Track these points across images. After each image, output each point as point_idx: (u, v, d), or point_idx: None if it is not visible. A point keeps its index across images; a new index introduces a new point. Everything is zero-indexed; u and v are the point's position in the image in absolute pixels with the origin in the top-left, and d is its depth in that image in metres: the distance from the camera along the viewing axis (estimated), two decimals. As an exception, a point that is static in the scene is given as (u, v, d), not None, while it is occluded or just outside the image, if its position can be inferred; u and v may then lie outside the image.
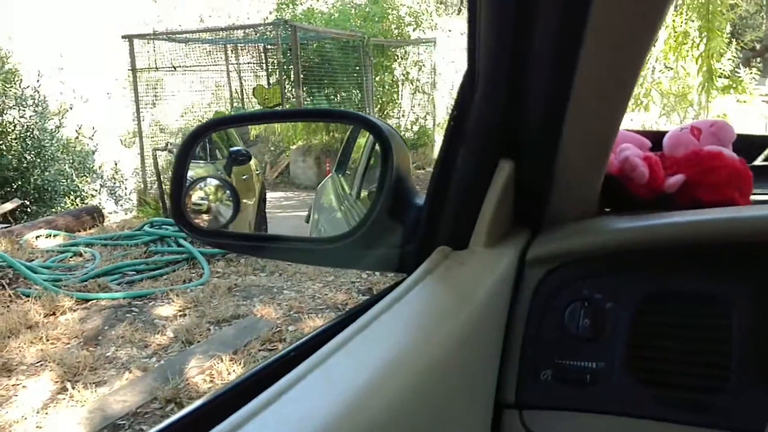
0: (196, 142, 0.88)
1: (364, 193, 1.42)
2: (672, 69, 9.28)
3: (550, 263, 0.80)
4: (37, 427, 2.95)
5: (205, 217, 0.98)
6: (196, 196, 0.97)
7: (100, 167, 12.53)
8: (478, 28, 0.67)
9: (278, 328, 3.96)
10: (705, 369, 0.71)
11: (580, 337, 0.76)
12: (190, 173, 0.86)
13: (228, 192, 1.03)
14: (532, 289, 0.80)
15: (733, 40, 9.77)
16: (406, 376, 0.56)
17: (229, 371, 3.39)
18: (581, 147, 0.77)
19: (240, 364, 3.46)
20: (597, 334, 0.75)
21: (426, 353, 0.61)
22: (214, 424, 0.49)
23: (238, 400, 0.52)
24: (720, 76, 8.97)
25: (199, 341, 3.82)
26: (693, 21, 8.21)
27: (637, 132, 0.97)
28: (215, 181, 1.04)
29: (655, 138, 0.98)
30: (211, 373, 3.39)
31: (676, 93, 9.49)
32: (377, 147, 1.30)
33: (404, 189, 0.85)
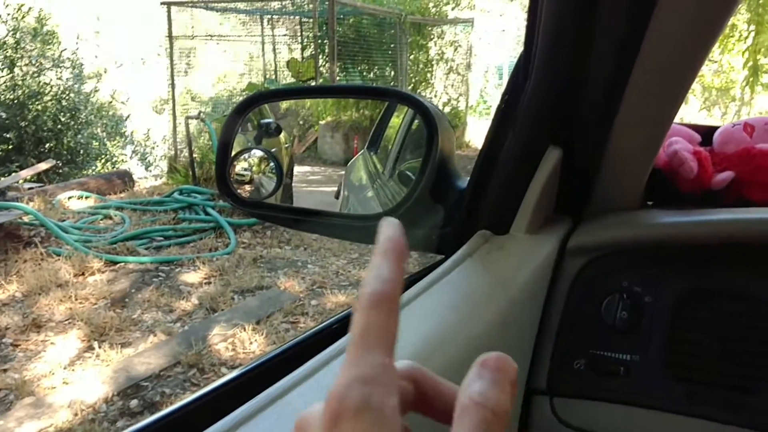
0: (244, 113, 0.88)
1: (397, 173, 1.42)
2: (716, 62, 9.04)
3: (591, 253, 0.80)
4: (63, 382, 3.03)
5: (247, 187, 0.99)
6: (239, 166, 0.98)
7: (131, 132, 12.68)
8: (540, 12, 0.66)
9: (301, 302, 4.00)
10: (740, 368, 0.70)
11: (616, 328, 0.76)
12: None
13: (272, 164, 1.04)
14: (571, 278, 0.80)
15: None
16: (442, 357, 0.57)
17: (251, 341, 3.44)
18: (632, 138, 0.76)
19: (262, 334, 3.51)
20: (633, 327, 0.75)
21: (462, 335, 0.62)
22: (258, 391, 0.50)
23: (283, 369, 0.53)
24: (766, 72, 8.71)
25: (222, 309, 3.88)
26: (741, 13, 7.96)
27: (687, 125, 0.96)
28: (260, 153, 1.05)
29: (705, 133, 0.96)
30: (233, 341, 3.45)
31: (719, 87, 9.25)
32: (414, 127, 1.29)
33: (447, 171, 0.85)
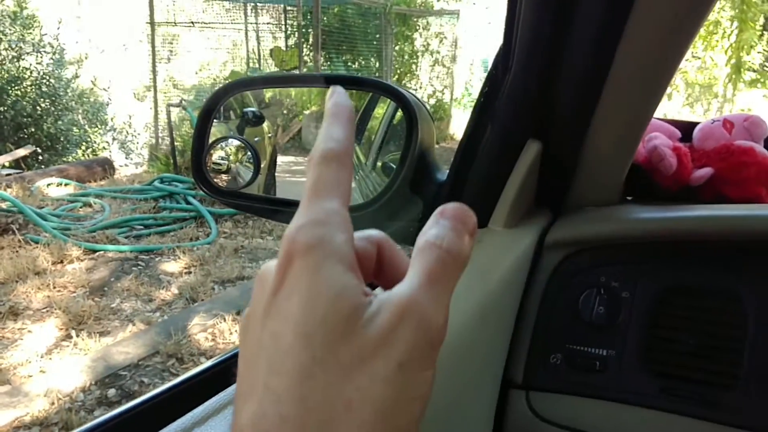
0: (220, 101, 0.87)
1: (379, 164, 1.41)
2: (700, 59, 9.11)
3: (569, 248, 0.79)
4: (40, 371, 3.00)
5: (224, 177, 0.97)
6: (216, 155, 0.96)
7: (111, 119, 12.51)
8: (519, 6, 0.66)
9: (282, 292, 3.99)
10: (717, 365, 0.71)
11: (593, 323, 0.76)
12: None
13: (249, 153, 1.02)
14: (548, 272, 0.79)
15: (765, 32, 9.55)
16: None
17: (231, 331, 3.42)
18: (612, 133, 0.76)
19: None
20: (610, 322, 0.75)
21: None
22: (231, 383, 0.49)
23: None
24: (748, 69, 8.79)
25: (203, 299, 3.85)
26: (725, 11, 8.02)
27: (667, 121, 0.96)
28: (237, 142, 1.03)
29: (686, 128, 0.96)
30: (213, 331, 3.43)
31: (702, 83, 9.33)
32: (396, 118, 1.28)
33: (427, 163, 0.84)
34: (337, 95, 0.33)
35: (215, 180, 0.92)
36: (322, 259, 0.26)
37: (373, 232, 0.33)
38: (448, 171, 0.83)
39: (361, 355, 0.26)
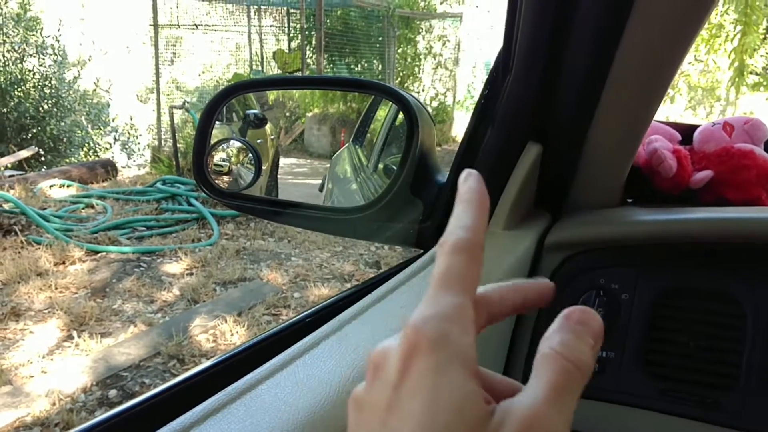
0: (222, 103, 0.87)
1: (380, 166, 1.41)
2: (702, 62, 9.10)
3: (569, 250, 0.80)
4: (42, 371, 3.00)
5: (225, 178, 0.98)
6: (218, 157, 0.96)
7: (113, 120, 12.54)
8: (519, 8, 0.66)
9: (284, 294, 3.99)
10: (716, 367, 0.71)
11: None
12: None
13: (250, 155, 1.03)
14: (548, 274, 0.80)
15: (768, 36, 9.53)
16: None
17: (233, 332, 3.42)
18: (612, 135, 0.76)
19: (244, 326, 3.49)
20: (610, 325, 0.75)
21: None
22: (230, 382, 0.49)
23: (254, 361, 0.52)
24: (751, 73, 8.77)
25: (204, 301, 3.85)
26: (729, 14, 8.01)
27: (668, 124, 0.96)
28: (238, 143, 1.04)
29: (686, 131, 0.96)
30: (214, 333, 3.43)
31: (705, 87, 9.31)
32: (398, 121, 1.28)
33: (427, 165, 0.85)
34: (472, 180, 0.32)
35: (216, 181, 0.92)
36: (447, 361, 0.26)
37: (480, 296, 0.32)
38: (448, 173, 0.83)
39: None
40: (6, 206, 5.01)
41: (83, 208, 5.75)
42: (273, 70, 10.12)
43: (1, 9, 9.76)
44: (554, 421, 0.26)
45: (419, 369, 0.26)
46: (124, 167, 9.20)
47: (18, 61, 9.80)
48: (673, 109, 9.54)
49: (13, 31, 9.85)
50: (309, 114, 9.48)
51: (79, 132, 10.82)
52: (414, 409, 0.25)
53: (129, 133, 12.81)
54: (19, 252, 4.41)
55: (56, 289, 3.89)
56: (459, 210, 0.31)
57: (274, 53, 10.16)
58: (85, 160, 9.81)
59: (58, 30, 10.83)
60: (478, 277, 0.29)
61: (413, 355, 0.26)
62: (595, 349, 0.29)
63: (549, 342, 0.29)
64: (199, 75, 11.49)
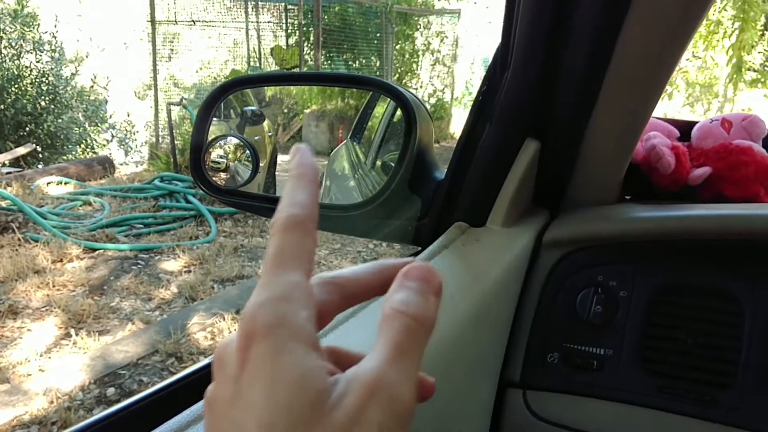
0: (219, 99, 0.87)
1: (378, 163, 1.41)
2: (700, 58, 9.10)
3: (567, 247, 0.79)
4: (39, 369, 2.99)
5: (222, 175, 0.97)
6: (215, 153, 0.96)
7: (111, 117, 12.51)
8: (517, 4, 0.66)
9: (282, 291, 3.99)
10: (713, 364, 0.71)
11: (590, 323, 0.76)
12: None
13: (248, 152, 1.02)
14: (546, 271, 0.79)
15: (766, 32, 9.53)
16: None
17: (231, 330, 3.42)
18: (610, 132, 0.76)
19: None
20: (608, 322, 0.75)
21: (436, 327, 0.61)
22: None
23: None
24: (749, 69, 8.77)
25: (202, 298, 3.85)
26: (726, 10, 8.01)
27: (666, 120, 0.96)
28: (235, 140, 1.03)
29: (684, 128, 0.96)
30: (212, 330, 3.42)
31: (703, 83, 9.32)
32: (396, 117, 1.28)
33: (425, 162, 0.84)
34: (300, 155, 0.32)
35: (214, 178, 0.92)
36: (283, 341, 0.25)
37: (331, 275, 0.33)
38: (446, 170, 0.83)
39: None
40: (3, 203, 5.00)
41: (81, 206, 5.74)
42: (271, 66, 10.10)
43: (-2, 5, 9.74)
44: (398, 384, 0.26)
45: (257, 355, 0.25)
46: (121, 164, 9.18)
47: (15, 58, 9.77)
48: (671, 105, 9.55)
49: (10, 28, 9.81)
50: (307, 110, 9.46)
51: (77, 129, 10.78)
52: (254, 395, 0.25)
53: (126, 130, 12.79)
54: (17, 249, 4.40)
55: (54, 286, 3.89)
56: (289, 187, 0.31)
57: (272, 49, 10.14)
58: (82, 157, 9.78)
59: (55, 26, 10.80)
60: (313, 251, 0.29)
61: (250, 343, 0.26)
62: (435, 301, 0.29)
63: (389, 302, 0.29)
64: (197, 71, 11.46)
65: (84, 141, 10.94)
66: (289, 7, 10.40)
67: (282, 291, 0.27)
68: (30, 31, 10.24)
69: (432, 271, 0.30)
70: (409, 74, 11.52)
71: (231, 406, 0.26)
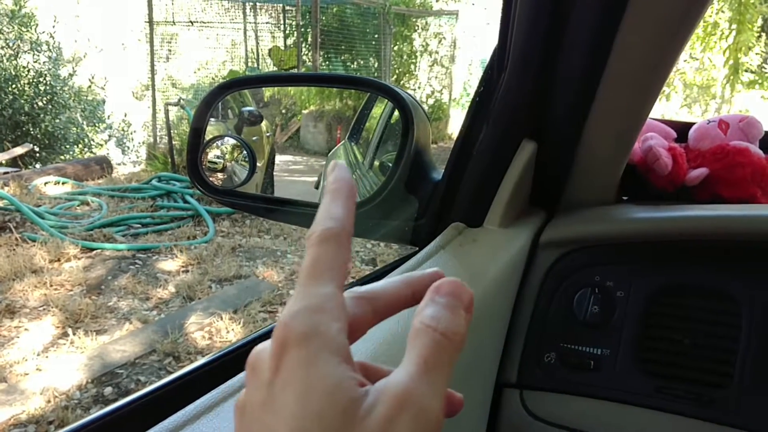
0: (217, 99, 0.87)
1: (376, 164, 1.41)
2: (698, 60, 9.12)
3: (564, 247, 0.80)
4: (37, 369, 2.99)
5: (219, 175, 0.97)
6: (212, 154, 0.96)
7: (109, 117, 12.49)
8: (514, 5, 0.66)
9: (279, 291, 3.99)
10: (711, 364, 0.71)
11: (587, 323, 0.76)
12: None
13: (245, 152, 1.02)
14: (543, 271, 0.80)
15: (763, 34, 9.55)
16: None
17: (228, 329, 3.42)
18: (607, 133, 0.76)
19: (239, 323, 3.49)
20: (605, 322, 0.75)
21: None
22: (223, 380, 0.49)
23: (240, 364, 0.52)
24: (746, 71, 8.80)
25: (200, 298, 3.85)
26: (723, 12, 8.03)
27: (663, 121, 0.96)
28: (232, 141, 1.03)
29: (681, 129, 0.96)
30: (210, 330, 3.42)
31: (700, 84, 9.34)
32: (393, 118, 1.28)
33: (422, 162, 0.85)
34: (338, 170, 0.33)
35: (211, 179, 0.92)
36: (316, 351, 0.26)
37: (363, 290, 0.33)
38: (443, 170, 0.83)
39: None
40: (1, 203, 4.99)
41: (78, 205, 5.73)
42: (269, 67, 10.09)
43: (-4, 5, 9.72)
44: (426, 395, 0.26)
45: (290, 364, 0.26)
46: (119, 164, 9.18)
47: (12, 58, 9.74)
48: (668, 106, 9.56)
49: (8, 28, 9.79)
50: (305, 111, 9.44)
51: (74, 129, 10.76)
52: (287, 402, 0.26)
53: (124, 130, 12.77)
54: (14, 249, 4.39)
55: (51, 286, 3.88)
56: (326, 201, 0.32)
57: (270, 50, 10.13)
58: (80, 157, 9.76)
59: (53, 26, 10.78)
60: (347, 264, 0.30)
61: (284, 351, 0.26)
62: (466, 319, 0.30)
63: (419, 317, 0.29)
64: (195, 72, 11.43)
65: (81, 141, 10.92)
66: (287, 7, 10.39)
67: (316, 302, 0.28)
68: (27, 31, 10.22)
69: (463, 287, 0.31)
70: (407, 75, 11.51)
71: (263, 411, 0.27)
